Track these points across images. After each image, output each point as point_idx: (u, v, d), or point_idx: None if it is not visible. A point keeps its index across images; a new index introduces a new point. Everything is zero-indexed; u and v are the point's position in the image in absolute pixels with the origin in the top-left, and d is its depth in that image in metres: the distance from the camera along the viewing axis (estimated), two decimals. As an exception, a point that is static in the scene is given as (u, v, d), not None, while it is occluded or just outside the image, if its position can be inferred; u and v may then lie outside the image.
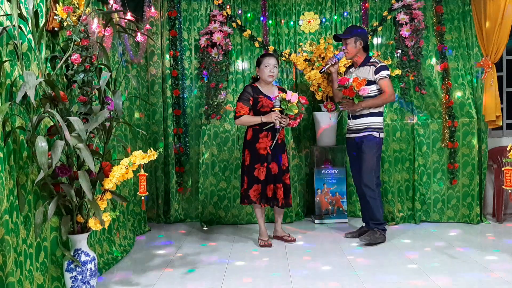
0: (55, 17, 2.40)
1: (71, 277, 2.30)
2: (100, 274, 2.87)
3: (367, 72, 3.56)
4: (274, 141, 3.50)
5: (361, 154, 3.60)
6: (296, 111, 3.43)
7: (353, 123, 3.64)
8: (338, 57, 3.68)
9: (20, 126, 2.11)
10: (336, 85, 3.70)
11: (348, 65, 3.90)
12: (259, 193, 3.53)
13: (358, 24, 4.37)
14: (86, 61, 2.39)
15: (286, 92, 3.48)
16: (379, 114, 3.61)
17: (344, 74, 3.83)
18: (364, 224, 3.80)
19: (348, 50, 3.61)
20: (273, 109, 3.47)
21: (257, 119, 3.51)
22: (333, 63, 3.69)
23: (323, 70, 3.75)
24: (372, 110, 3.57)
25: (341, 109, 3.73)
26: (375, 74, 3.53)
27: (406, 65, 4.23)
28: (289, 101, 3.42)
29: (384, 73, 3.51)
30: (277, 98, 3.45)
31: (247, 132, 3.62)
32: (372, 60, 3.62)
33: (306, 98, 3.57)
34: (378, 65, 3.54)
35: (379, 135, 3.60)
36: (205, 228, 4.21)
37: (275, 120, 3.43)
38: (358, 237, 3.68)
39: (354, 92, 3.45)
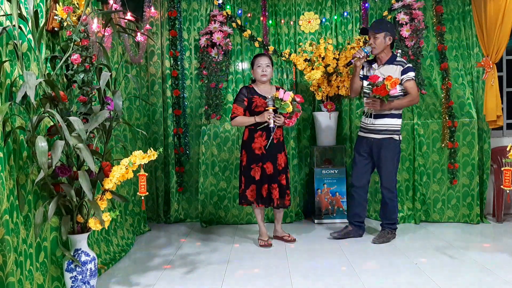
0: (55, 17, 2.40)
1: (71, 277, 2.31)
2: (99, 274, 2.87)
3: (393, 71, 3.47)
4: (269, 141, 3.50)
5: (380, 157, 3.57)
6: (290, 110, 3.38)
7: (371, 123, 3.55)
8: (366, 50, 3.52)
9: (20, 126, 2.11)
10: (357, 80, 3.57)
11: (368, 60, 3.72)
12: (255, 193, 3.53)
13: (358, 24, 4.37)
14: (86, 61, 2.39)
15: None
16: (399, 116, 3.55)
17: (364, 70, 3.67)
18: (348, 223, 3.80)
19: (376, 45, 3.49)
20: (266, 108, 3.45)
21: (251, 119, 3.51)
22: (361, 56, 3.51)
23: (351, 62, 3.56)
24: (393, 111, 3.50)
25: (366, 108, 3.56)
26: (402, 75, 3.45)
27: (406, 65, 4.22)
28: (281, 99, 3.38)
29: (411, 74, 3.45)
30: (270, 97, 3.43)
31: (244, 132, 3.63)
32: (398, 59, 3.54)
33: (301, 96, 3.52)
34: (406, 66, 3.47)
35: (399, 137, 3.56)
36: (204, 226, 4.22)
37: (268, 119, 3.42)
38: (343, 238, 3.69)
39: (387, 91, 3.30)
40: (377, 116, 3.54)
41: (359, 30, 4.29)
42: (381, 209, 3.75)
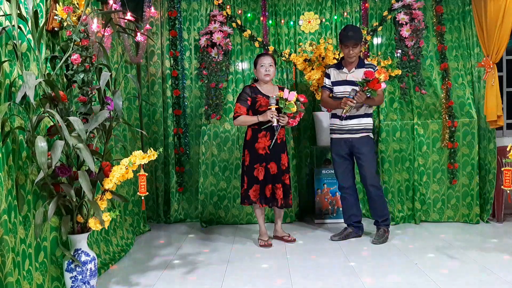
0: (55, 17, 2.41)
1: (71, 277, 2.31)
2: (98, 274, 2.87)
3: None
4: (273, 141, 3.50)
5: (361, 155, 3.61)
6: (294, 110, 3.39)
7: (347, 123, 3.60)
8: (351, 96, 3.47)
9: (19, 126, 2.11)
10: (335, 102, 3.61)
11: (334, 65, 3.76)
12: (258, 193, 3.52)
13: (358, 24, 4.36)
14: (86, 61, 2.39)
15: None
16: (371, 115, 3.70)
17: (332, 76, 3.69)
18: (346, 225, 3.80)
19: (356, 53, 3.54)
20: (269, 107, 3.45)
21: (254, 119, 3.51)
22: (352, 105, 3.46)
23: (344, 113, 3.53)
24: (366, 111, 3.62)
25: (354, 102, 3.42)
26: None
27: (406, 65, 4.22)
28: (286, 99, 3.39)
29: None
30: (274, 96, 3.43)
31: (246, 132, 3.62)
32: (367, 62, 3.67)
33: (305, 97, 3.53)
34: (376, 68, 3.54)
35: (373, 136, 3.72)
36: (203, 226, 4.22)
37: (271, 118, 3.42)
38: (343, 240, 3.69)
39: (379, 85, 3.34)
40: (351, 117, 3.59)
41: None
42: (371, 208, 3.79)
